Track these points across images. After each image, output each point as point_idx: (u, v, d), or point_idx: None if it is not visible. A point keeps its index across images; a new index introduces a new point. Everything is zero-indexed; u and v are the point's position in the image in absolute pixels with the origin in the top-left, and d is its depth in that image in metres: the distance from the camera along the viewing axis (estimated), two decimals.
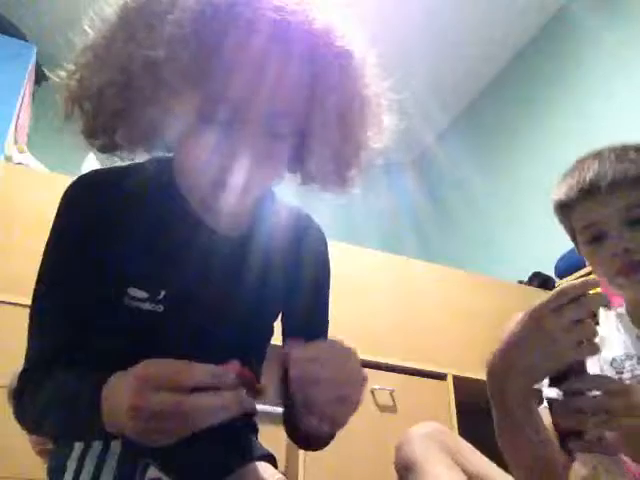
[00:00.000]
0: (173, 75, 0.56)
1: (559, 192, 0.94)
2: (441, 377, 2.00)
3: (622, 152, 0.90)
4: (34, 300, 0.69)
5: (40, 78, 2.47)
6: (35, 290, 0.69)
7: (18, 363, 0.69)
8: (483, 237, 2.89)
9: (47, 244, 0.70)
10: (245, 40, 0.55)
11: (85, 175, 0.72)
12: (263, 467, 0.78)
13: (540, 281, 2.39)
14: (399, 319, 2.06)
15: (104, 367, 0.61)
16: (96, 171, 0.73)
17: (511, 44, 2.96)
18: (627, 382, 0.91)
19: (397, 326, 2.04)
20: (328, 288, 0.85)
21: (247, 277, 0.73)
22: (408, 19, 2.61)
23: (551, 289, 2.06)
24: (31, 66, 2.27)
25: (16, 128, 2.10)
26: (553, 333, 0.65)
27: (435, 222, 3.23)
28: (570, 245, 1.00)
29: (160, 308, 0.67)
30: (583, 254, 0.96)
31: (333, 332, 0.84)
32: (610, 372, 0.94)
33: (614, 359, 0.94)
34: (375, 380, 1.86)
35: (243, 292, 0.73)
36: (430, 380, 1.99)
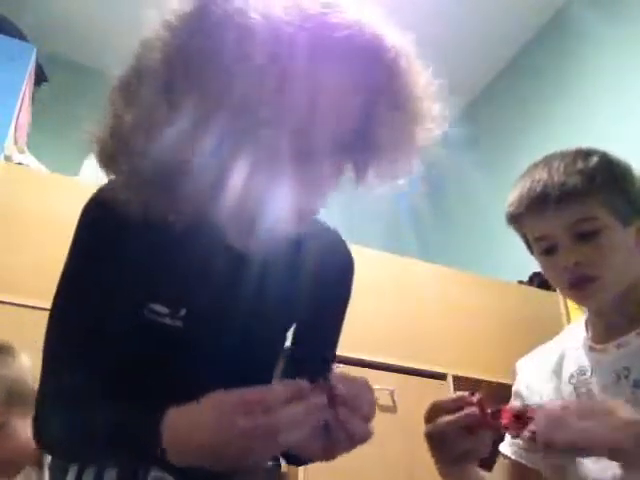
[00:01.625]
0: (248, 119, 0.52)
1: (510, 203, 0.92)
2: (441, 377, 2.00)
3: (571, 162, 0.88)
4: (56, 311, 0.68)
5: (40, 78, 2.47)
6: (57, 302, 0.69)
7: None
8: (483, 237, 2.88)
9: (69, 257, 0.69)
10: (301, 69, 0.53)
11: (107, 188, 0.70)
12: (268, 466, 0.78)
13: (540, 281, 2.39)
14: (399, 319, 2.06)
15: (122, 380, 0.62)
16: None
17: (511, 44, 2.95)
18: (583, 398, 0.88)
19: (397, 326, 2.04)
20: (343, 315, 0.85)
21: (269, 299, 0.72)
22: (404, 24, 2.61)
23: (550, 289, 2.06)
24: (31, 66, 2.27)
25: (16, 128, 2.10)
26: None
27: (435, 222, 3.23)
28: None
29: (179, 324, 0.67)
30: (539, 264, 0.95)
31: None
32: (568, 389, 0.91)
33: (572, 375, 0.92)
34: (375, 380, 1.86)
35: (263, 313, 0.72)
36: (430, 380, 1.99)
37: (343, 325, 0.85)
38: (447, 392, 1.96)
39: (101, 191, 0.69)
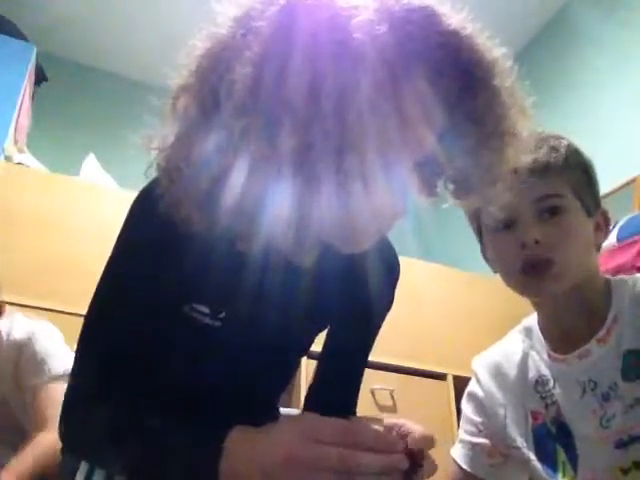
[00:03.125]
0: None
1: None
2: (441, 377, 2.00)
3: (543, 140, 0.87)
4: (97, 307, 0.68)
5: (40, 78, 2.47)
6: (98, 299, 0.68)
7: None
8: None
9: (116, 254, 0.68)
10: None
11: (158, 190, 0.63)
12: None
13: None
14: (399, 319, 2.05)
15: (158, 379, 0.61)
16: None
17: (510, 45, 2.95)
18: (552, 410, 0.85)
19: (397, 326, 2.04)
20: (381, 323, 0.85)
21: (307, 308, 0.71)
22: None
23: None
24: (31, 66, 2.27)
25: (16, 128, 2.10)
26: None
27: (435, 222, 3.22)
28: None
29: (218, 324, 0.67)
30: (487, 245, 0.89)
31: None
32: (535, 398, 0.87)
33: (537, 382, 0.88)
34: (375, 380, 1.86)
35: (299, 321, 0.72)
36: (430, 380, 1.99)
37: (379, 332, 0.84)
38: (447, 392, 1.96)
39: (151, 192, 0.63)
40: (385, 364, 1.92)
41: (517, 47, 2.96)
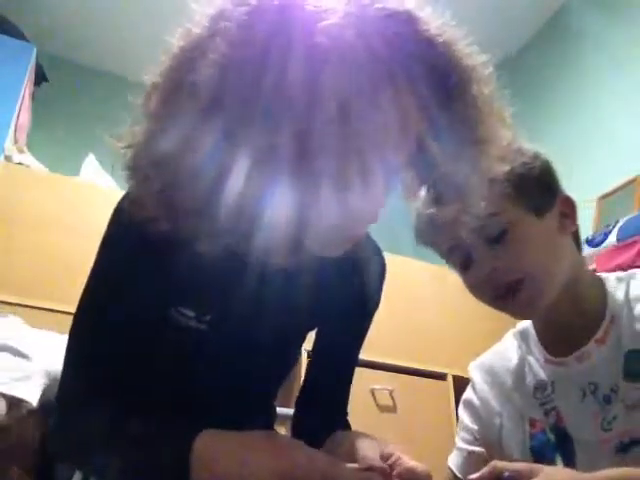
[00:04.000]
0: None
1: (414, 225, 0.84)
2: (441, 377, 2.00)
3: None
4: (82, 313, 0.68)
5: (40, 78, 2.47)
6: (83, 305, 0.68)
7: None
8: None
9: (97, 264, 0.68)
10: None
11: (134, 200, 0.62)
12: None
13: None
14: (399, 319, 2.06)
15: (143, 381, 0.61)
16: None
17: (509, 45, 2.95)
18: (551, 417, 0.83)
19: (397, 326, 2.04)
20: (370, 322, 0.84)
21: (293, 308, 0.71)
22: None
23: None
24: (31, 66, 2.27)
25: (16, 128, 2.10)
26: None
27: None
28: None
29: (204, 327, 0.67)
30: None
31: None
32: (534, 404, 0.85)
33: (536, 388, 0.85)
34: (375, 380, 1.86)
35: (286, 322, 0.72)
36: (430, 380, 1.99)
37: (369, 330, 0.84)
38: (447, 392, 1.96)
39: (128, 203, 0.63)
40: (385, 364, 1.92)
41: (516, 47, 2.96)
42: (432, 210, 0.78)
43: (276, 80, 0.45)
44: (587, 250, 1.70)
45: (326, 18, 0.45)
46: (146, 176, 0.53)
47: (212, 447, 0.52)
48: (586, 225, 1.97)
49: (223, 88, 0.46)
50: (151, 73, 0.53)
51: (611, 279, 0.83)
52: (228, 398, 0.72)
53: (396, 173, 0.55)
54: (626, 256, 1.52)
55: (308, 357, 0.83)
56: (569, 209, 0.82)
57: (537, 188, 0.79)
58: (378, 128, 0.49)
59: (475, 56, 0.55)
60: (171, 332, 0.68)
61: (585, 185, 2.20)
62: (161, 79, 0.52)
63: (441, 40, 0.51)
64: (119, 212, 0.66)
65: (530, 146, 0.83)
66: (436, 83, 0.52)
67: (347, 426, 0.81)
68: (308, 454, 0.51)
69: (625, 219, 1.64)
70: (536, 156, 0.81)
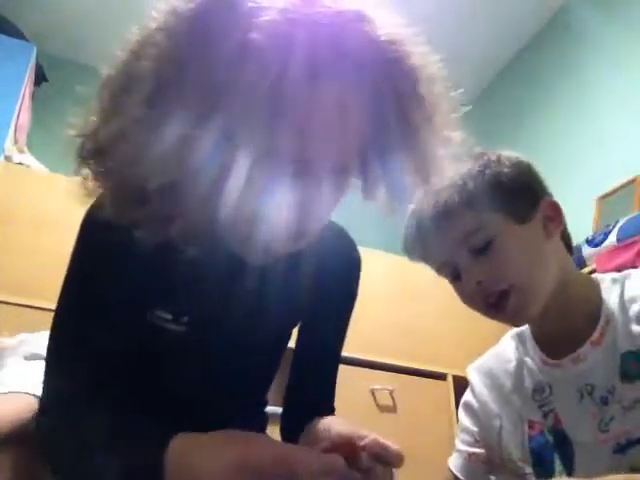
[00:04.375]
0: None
1: (402, 239, 0.87)
2: (441, 377, 2.00)
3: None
4: (59, 315, 0.68)
5: (40, 78, 2.47)
6: (59, 308, 0.68)
7: None
8: None
9: (70, 269, 0.68)
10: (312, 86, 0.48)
11: (101, 202, 0.63)
12: None
13: None
14: (399, 319, 2.06)
15: (124, 383, 0.61)
16: None
17: (509, 47, 2.95)
18: (550, 418, 0.83)
19: (397, 326, 2.04)
20: (349, 316, 0.83)
21: (270, 304, 0.71)
22: (403, 21, 2.61)
23: None
24: (31, 66, 2.27)
25: (16, 128, 2.10)
26: None
27: None
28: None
29: (183, 328, 0.67)
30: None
31: None
32: (533, 407, 0.85)
33: (534, 390, 0.86)
34: (375, 380, 1.86)
35: (265, 318, 0.72)
36: (430, 380, 1.99)
37: (349, 325, 0.84)
38: (447, 392, 1.96)
39: (96, 206, 0.64)
40: (385, 364, 1.92)
41: (516, 47, 2.96)
42: (416, 230, 0.81)
43: (206, 75, 0.46)
44: (587, 250, 1.70)
45: (260, 15, 0.45)
46: (100, 167, 0.54)
47: (183, 452, 0.51)
48: (586, 225, 1.97)
49: (159, 80, 0.48)
50: (106, 66, 0.55)
51: (606, 280, 0.83)
52: (214, 398, 0.72)
53: (344, 170, 0.55)
54: (626, 256, 1.52)
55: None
56: (554, 213, 0.82)
57: (518, 196, 0.79)
58: (311, 124, 0.49)
59: (426, 56, 0.55)
60: (151, 335, 0.68)
61: (585, 185, 2.20)
62: (110, 71, 0.54)
63: (386, 39, 0.50)
64: (87, 218, 0.67)
65: (510, 153, 0.83)
66: (379, 82, 0.52)
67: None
68: (263, 442, 0.50)
69: (625, 219, 1.64)
70: (516, 164, 0.81)
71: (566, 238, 0.86)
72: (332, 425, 0.64)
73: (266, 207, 0.51)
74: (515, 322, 0.84)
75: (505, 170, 0.79)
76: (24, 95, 2.18)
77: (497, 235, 0.77)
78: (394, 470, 0.54)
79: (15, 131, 2.09)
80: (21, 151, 2.07)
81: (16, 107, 2.07)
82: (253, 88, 0.46)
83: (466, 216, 0.77)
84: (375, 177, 0.60)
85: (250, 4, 0.46)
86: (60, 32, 2.86)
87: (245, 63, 0.45)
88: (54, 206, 1.79)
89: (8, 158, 1.96)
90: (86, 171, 0.56)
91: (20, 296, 1.56)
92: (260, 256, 0.60)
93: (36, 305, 1.55)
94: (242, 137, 0.48)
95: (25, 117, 2.27)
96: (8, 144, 1.98)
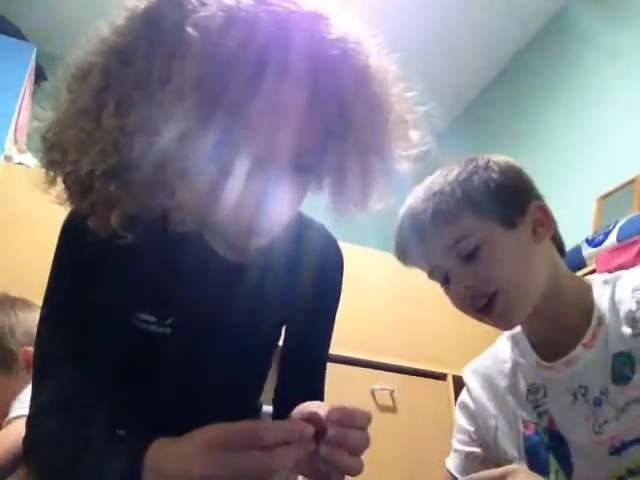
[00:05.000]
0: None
1: (395, 244, 0.88)
2: (441, 377, 2.00)
3: (430, 184, 0.82)
4: (43, 321, 0.68)
5: (40, 78, 2.47)
6: (43, 314, 0.68)
7: None
8: None
9: (52, 273, 0.69)
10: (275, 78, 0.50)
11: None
12: None
13: None
14: (399, 319, 2.06)
15: (110, 386, 0.61)
16: None
17: (509, 46, 2.95)
18: (544, 419, 0.83)
19: (397, 326, 2.04)
20: (334, 313, 0.83)
21: (255, 304, 0.71)
22: (405, 19, 2.61)
23: None
24: (31, 66, 2.27)
25: (16, 128, 2.10)
26: None
27: None
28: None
29: (168, 330, 0.68)
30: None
31: (334, 331, 0.84)
32: (527, 407, 0.86)
33: (529, 391, 0.86)
34: (375, 380, 1.86)
35: (250, 318, 0.72)
36: (430, 380, 1.99)
37: (334, 323, 0.83)
38: (447, 392, 1.96)
39: (75, 209, 0.65)
40: (385, 364, 1.93)
41: (516, 47, 2.96)
42: (406, 236, 0.82)
43: (148, 68, 0.48)
44: (587, 250, 1.69)
45: (199, 11, 0.47)
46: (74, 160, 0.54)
47: (160, 447, 0.52)
48: (586, 225, 1.97)
49: (105, 74, 0.51)
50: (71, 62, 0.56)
51: (598, 282, 0.83)
52: (203, 400, 0.72)
53: (297, 168, 0.55)
54: (626, 256, 1.52)
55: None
56: (544, 217, 0.82)
57: (506, 202, 0.80)
58: (260, 119, 0.51)
59: (380, 57, 0.56)
60: (135, 338, 0.68)
61: (585, 185, 2.20)
62: (70, 67, 0.55)
63: (335, 37, 0.51)
64: (68, 223, 0.69)
65: (500, 158, 0.83)
66: (331, 81, 0.53)
67: None
68: (232, 423, 0.50)
69: (625, 219, 1.64)
70: (505, 169, 0.81)
71: (558, 240, 0.87)
72: (308, 406, 0.65)
73: (224, 202, 0.52)
74: (503, 326, 0.84)
75: (494, 176, 0.80)
76: (24, 95, 2.18)
77: (485, 241, 0.78)
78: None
79: (15, 131, 2.09)
80: (21, 151, 2.07)
81: (16, 107, 2.07)
82: (184, 80, 0.47)
83: (455, 223, 0.78)
84: (323, 174, 0.60)
85: (195, 2, 0.48)
86: (60, 32, 2.86)
87: (179, 57, 0.47)
88: (54, 206, 1.78)
89: (8, 158, 1.96)
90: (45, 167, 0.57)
91: (20, 296, 1.56)
92: (228, 251, 0.61)
93: (36, 305, 1.55)
94: (173, 128, 0.49)
95: (25, 117, 2.27)
96: (8, 144, 1.98)
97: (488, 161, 0.82)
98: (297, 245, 0.71)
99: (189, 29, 0.46)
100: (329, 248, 0.81)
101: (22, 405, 1.06)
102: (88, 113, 0.51)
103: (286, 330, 0.82)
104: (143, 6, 0.51)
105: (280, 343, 0.84)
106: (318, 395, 0.82)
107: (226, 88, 0.48)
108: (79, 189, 0.54)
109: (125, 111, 0.49)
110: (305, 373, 0.82)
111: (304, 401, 0.78)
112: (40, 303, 0.67)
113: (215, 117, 0.49)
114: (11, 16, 2.39)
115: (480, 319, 0.83)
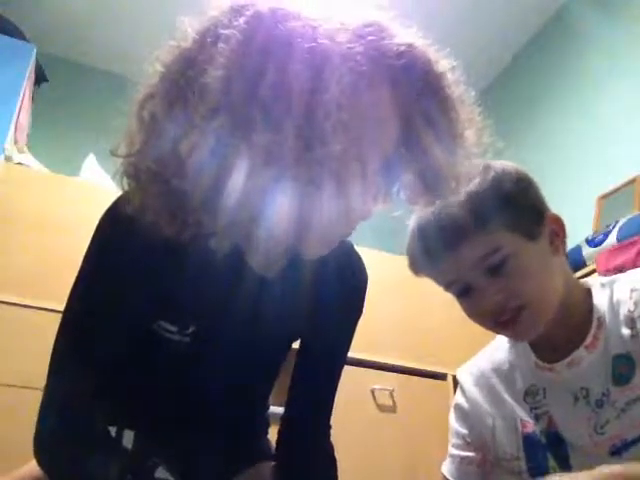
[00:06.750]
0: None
1: (408, 256, 0.86)
2: (441, 377, 2.00)
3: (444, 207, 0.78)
4: (68, 316, 0.68)
5: (40, 78, 2.47)
6: (68, 309, 0.68)
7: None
8: None
9: (84, 265, 0.68)
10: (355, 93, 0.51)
11: (125, 202, 0.62)
12: (270, 466, 0.79)
13: None
14: (399, 319, 2.06)
15: (126, 389, 0.62)
16: None
17: (510, 45, 2.95)
18: (543, 421, 0.83)
19: (397, 326, 2.04)
20: (354, 330, 0.83)
21: (273, 316, 0.71)
22: (404, 19, 2.61)
23: None
24: (31, 66, 2.27)
25: (16, 128, 2.10)
26: None
27: None
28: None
29: (187, 339, 0.68)
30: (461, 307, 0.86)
31: None
32: (525, 408, 0.85)
33: (526, 393, 0.86)
34: (375, 380, 1.86)
35: (267, 329, 0.72)
36: (430, 380, 1.99)
37: (350, 344, 0.82)
38: (447, 392, 1.96)
39: (120, 205, 0.64)
40: (385, 364, 1.92)
41: (516, 47, 2.96)
42: (424, 247, 0.81)
43: (280, 79, 0.48)
44: (587, 250, 1.69)
45: (323, 25, 0.50)
46: (152, 180, 0.55)
47: None
48: (586, 225, 1.97)
49: (231, 87, 0.49)
50: (141, 85, 0.56)
51: (595, 285, 0.84)
52: (216, 405, 0.73)
53: (380, 170, 0.57)
54: (626, 256, 1.52)
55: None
56: (558, 227, 0.82)
57: (527, 213, 0.79)
58: (372, 124, 0.53)
59: (444, 62, 0.60)
60: (158, 344, 0.68)
61: (585, 185, 2.20)
62: (159, 87, 0.54)
63: (416, 46, 0.56)
64: (116, 215, 0.66)
65: (507, 164, 0.82)
66: (416, 83, 0.56)
67: (327, 440, 0.80)
68: None
69: (625, 219, 1.64)
70: (520, 178, 0.81)
71: (564, 250, 0.86)
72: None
73: (273, 212, 0.52)
74: (522, 338, 0.84)
75: (513, 186, 0.79)
76: (24, 95, 2.18)
77: (512, 254, 0.77)
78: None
79: (15, 131, 2.09)
80: (21, 151, 2.07)
81: (16, 107, 2.07)
82: (324, 88, 0.48)
83: (481, 238, 0.76)
84: (398, 174, 0.62)
85: (307, 15, 0.50)
86: (60, 32, 2.86)
87: (312, 70, 0.48)
88: (54, 206, 1.79)
89: (8, 158, 1.96)
90: (132, 186, 0.57)
91: (20, 296, 1.56)
92: (263, 264, 0.61)
93: (36, 305, 1.55)
94: (315, 143, 0.49)
95: (25, 117, 2.27)
96: (8, 144, 1.98)
97: (503, 169, 0.80)
98: (321, 261, 0.71)
99: (323, 41, 0.49)
100: (355, 270, 0.81)
101: None
102: (203, 142, 0.51)
103: (300, 346, 0.81)
104: (246, 19, 0.51)
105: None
106: (324, 415, 0.81)
107: (344, 92, 0.49)
108: (177, 213, 0.55)
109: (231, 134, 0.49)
110: (315, 391, 0.81)
111: (315, 415, 0.79)
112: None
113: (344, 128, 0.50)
114: (11, 16, 2.39)
115: (497, 331, 0.82)
